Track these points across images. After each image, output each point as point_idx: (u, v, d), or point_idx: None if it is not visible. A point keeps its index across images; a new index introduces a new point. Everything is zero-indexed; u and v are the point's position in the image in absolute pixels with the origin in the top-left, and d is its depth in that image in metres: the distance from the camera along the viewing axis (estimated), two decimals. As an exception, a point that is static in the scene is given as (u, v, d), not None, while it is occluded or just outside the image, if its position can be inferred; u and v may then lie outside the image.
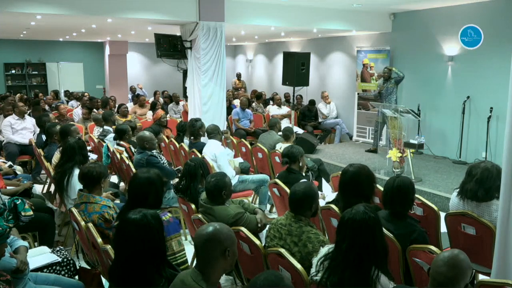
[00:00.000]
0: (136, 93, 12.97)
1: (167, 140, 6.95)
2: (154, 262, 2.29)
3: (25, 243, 3.04)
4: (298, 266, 2.53)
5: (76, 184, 4.23)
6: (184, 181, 3.92)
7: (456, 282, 1.97)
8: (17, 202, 3.07)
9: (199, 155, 5.46)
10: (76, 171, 4.32)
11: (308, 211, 2.89)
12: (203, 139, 6.15)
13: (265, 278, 1.83)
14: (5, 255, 2.67)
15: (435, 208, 3.58)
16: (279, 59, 12.02)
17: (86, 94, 11.42)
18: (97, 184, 3.51)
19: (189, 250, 3.12)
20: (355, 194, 3.30)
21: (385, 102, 7.65)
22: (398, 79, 7.95)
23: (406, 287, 2.41)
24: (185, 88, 9.19)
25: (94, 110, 9.08)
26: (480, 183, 3.26)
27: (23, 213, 3.06)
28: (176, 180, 4.87)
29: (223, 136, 6.00)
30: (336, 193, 3.76)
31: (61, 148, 4.90)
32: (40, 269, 3.11)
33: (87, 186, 3.53)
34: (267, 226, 3.19)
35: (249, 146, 6.55)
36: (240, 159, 6.21)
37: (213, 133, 5.68)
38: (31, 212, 3.14)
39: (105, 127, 7.06)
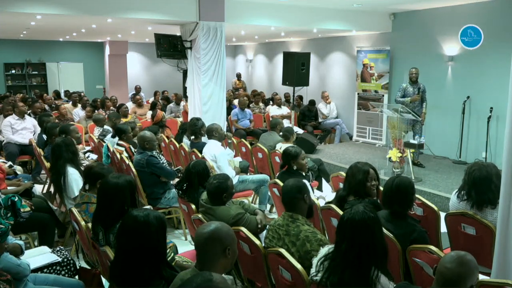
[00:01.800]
0: (139, 93, 12.96)
1: (167, 140, 6.95)
2: (152, 262, 2.28)
3: (21, 242, 3.04)
4: (298, 266, 2.53)
5: (73, 183, 4.25)
6: (185, 185, 3.94)
7: (463, 280, 1.96)
8: (15, 200, 3.08)
9: (200, 155, 5.47)
10: (70, 170, 4.34)
11: (303, 203, 2.89)
12: (203, 139, 6.16)
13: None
14: (3, 253, 2.68)
15: (435, 208, 3.58)
16: (279, 59, 12.02)
17: (81, 93, 11.44)
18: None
19: (187, 250, 3.13)
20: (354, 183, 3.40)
21: (416, 111, 6.93)
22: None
23: (409, 284, 2.39)
24: (185, 88, 9.19)
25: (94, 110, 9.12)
26: (485, 192, 3.25)
27: (22, 210, 3.07)
28: (177, 180, 4.88)
29: (225, 137, 5.98)
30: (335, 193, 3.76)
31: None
32: (40, 269, 3.11)
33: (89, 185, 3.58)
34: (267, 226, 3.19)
35: (249, 146, 6.55)
36: (239, 158, 6.21)
37: (213, 133, 5.67)
38: (28, 208, 3.16)
39: (105, 127, 7.06)
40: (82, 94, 11.45)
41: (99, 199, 3.04)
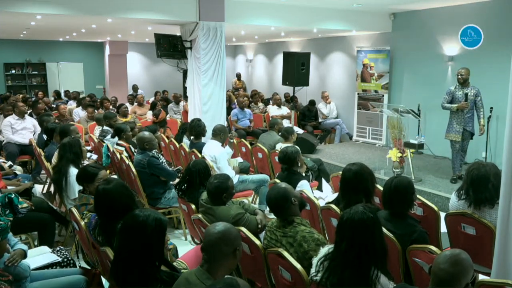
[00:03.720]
0: (138, 92, 12.95)
1: (167, 140, 6.95)
2: (146, 263, 2.27)
3: (25, 247, 3.02)
4: (298, 266, 2.54)
5: (74, 184, 4.24)
6: (185, 185, 3.94)
7: (458, 279, 1.96)
8: (11, 196, 3.08)
9: (199, 155, 5.47)
10: (73, 170, 4.34)
11: (293, 206, 2.89)
12: (203, 139, 6.16)
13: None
14: (4, 253, 2.68)
15: (435, 208, 3.58)
16: (279, 59, 12.01)
17: (88, 98, 11.38)
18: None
19: (187, 250, 3.13)
20: (357, 191, 3.29)
21: (466, 119, 6.34)
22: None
23: (407, 285, 2.39)
24: (185, 88, 9.19)
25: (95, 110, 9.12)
26: (482, 191, 3.25)
27: (19, 206, 3.07)
28: (177, 180, 4.88)
29: (228, 138, 5.96)
30: (337, 193, 3.75)
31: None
32: (40, 269, 3.11)
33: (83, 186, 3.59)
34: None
35: (249, 146, 6.55)
36: (239, 159, 6.21)
37: (220, 134, 5.64)
38: (26, 204, 3.16)
39: (105, 127, 7.06)
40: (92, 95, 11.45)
41: (98, 211, 2.99)
